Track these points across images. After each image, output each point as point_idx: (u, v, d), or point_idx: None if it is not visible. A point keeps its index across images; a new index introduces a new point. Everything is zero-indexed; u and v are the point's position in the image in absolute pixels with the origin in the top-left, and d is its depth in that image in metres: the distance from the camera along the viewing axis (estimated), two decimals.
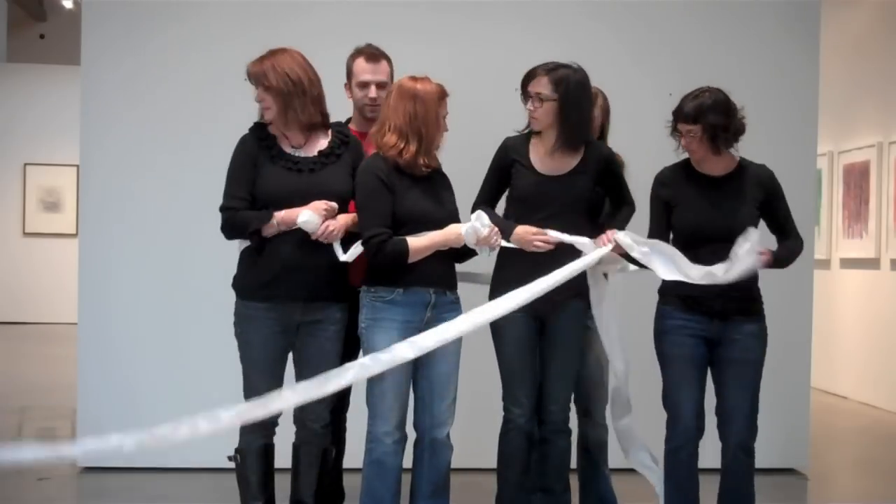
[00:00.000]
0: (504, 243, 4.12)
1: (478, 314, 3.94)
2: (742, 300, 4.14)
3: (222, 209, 4.10)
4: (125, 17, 5.88)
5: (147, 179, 5.87)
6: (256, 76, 4.09)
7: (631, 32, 6.07)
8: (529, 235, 4.10)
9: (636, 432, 4.34)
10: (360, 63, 4.52)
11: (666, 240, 4.19)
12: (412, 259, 3.97)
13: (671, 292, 4.18)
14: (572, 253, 4.09)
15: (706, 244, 4.08)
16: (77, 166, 6.26)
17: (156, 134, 5.88)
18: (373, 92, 4.48)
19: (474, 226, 4.00)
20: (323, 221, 3.99)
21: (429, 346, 3.84)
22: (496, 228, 4.07)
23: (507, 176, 4.23)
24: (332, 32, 5.60)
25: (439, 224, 4.03)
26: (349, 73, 4.58)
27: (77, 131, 5.96)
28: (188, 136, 5.83)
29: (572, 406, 4.39)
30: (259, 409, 3.77)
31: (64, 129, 13.42)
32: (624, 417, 4.32)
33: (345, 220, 4.06)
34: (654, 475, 4.33)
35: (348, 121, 4.68)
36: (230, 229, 4.10)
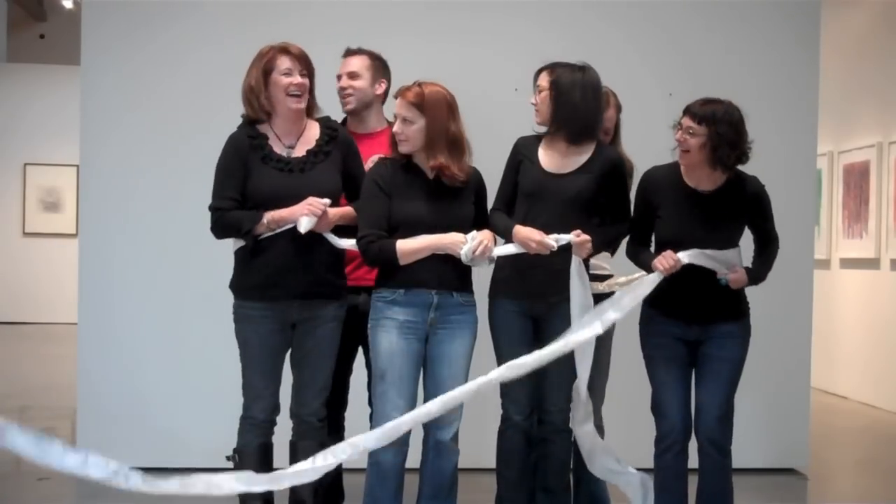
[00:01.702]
0: (498, 252, 4.12)
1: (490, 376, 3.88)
2: (724, 304, 4.12)
3: (212, 209, 4.14)
4: (125, 17, 5.88)
5: (147, 179, 5.87)
6: (303, 57, 4.14)
7: (631, 32, 6.06)
8: (530, 241, 4.08)
9: (598, 439, 4.30)
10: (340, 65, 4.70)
11: (647, 239, 4.22)
12: (404, 261, 3.99)
13: (652, 297, 4.14)
14: (566, 255, 4.09)
15: None
16: (77, 166, 6.25)
17: (156, 134, 5.88)
18: (343, 82, 4.62)
19: (470, 245, 4.01)
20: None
21: (433, 412, 3.82)
22: (485, 242, 4.03)
23: (518, 174, 4.26)
24: (332, 31, 5.59)
25: (434, 230, 4.02)
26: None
27: (77, 131, 5.96)
28: (188, 136, 5.82)
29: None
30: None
31: (64, 129, 13.42)
32: (586, 424, 4.27)
33: (335, 213, 4.11)
34: (622, 478, 4.29)
35: (344, 121, 4.73)
36: (221, 229, 4.13)
